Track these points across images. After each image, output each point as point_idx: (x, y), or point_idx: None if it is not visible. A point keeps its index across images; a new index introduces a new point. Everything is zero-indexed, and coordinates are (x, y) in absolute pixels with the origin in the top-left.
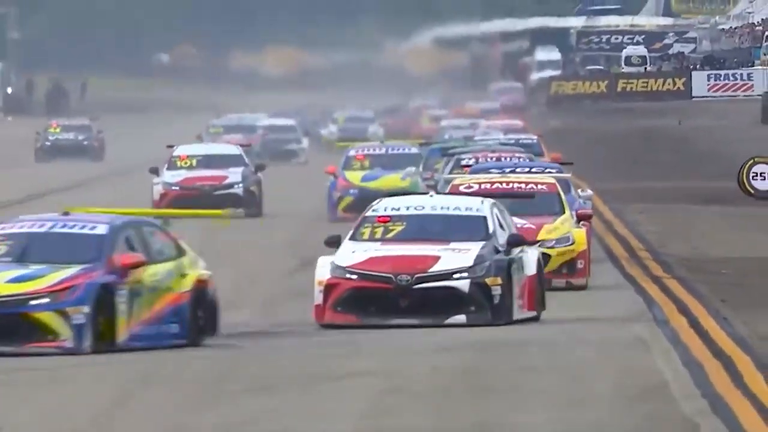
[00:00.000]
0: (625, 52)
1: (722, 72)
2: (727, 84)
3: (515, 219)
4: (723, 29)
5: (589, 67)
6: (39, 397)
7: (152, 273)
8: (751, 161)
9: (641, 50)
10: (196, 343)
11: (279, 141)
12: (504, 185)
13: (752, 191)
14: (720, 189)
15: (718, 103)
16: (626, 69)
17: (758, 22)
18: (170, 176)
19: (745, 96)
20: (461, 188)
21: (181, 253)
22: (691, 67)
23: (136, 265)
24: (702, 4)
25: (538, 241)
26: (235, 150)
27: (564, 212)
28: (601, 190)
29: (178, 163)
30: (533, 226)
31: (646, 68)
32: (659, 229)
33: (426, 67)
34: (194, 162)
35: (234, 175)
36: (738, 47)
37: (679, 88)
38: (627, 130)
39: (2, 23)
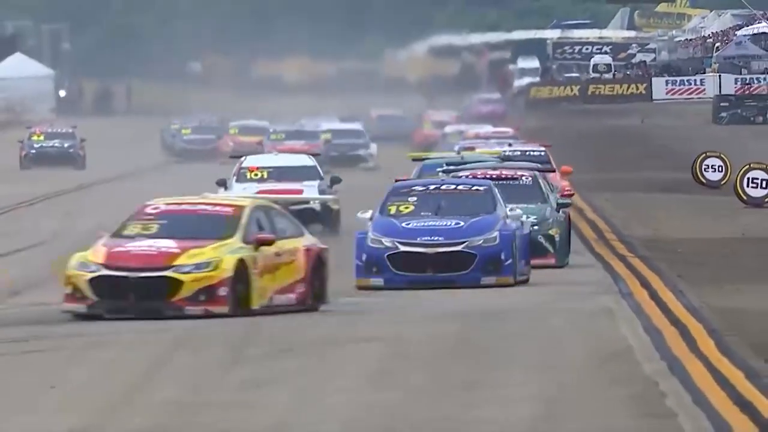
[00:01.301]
0: (593, 60)
1: (678, 78)
2: (682, 88)
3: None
4: (679, 41)
5: (566, 75)
6: (86, 359)
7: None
8: (703, 155)
9: (607, 59)
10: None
11: (346, 146)
12: None
13: (745, 198)
14: (676, 179)
15: (675, 105)
16: (594, 75)
17: (709, 35)
18: (241, 189)
19: (698, 98)
20: None
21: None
22: (652, 73)
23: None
24: (661, 19)
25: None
26: (308, 161)
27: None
28: (573, 180)
29: (248, 175)
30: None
31: (614, 74)
32: (623, 214)
33: (422, 74)
34: (265, 174)
35: (310, 189)
36: (692, 57)
37: (641, 92)
38: (596, 128)
39: (56, 36)
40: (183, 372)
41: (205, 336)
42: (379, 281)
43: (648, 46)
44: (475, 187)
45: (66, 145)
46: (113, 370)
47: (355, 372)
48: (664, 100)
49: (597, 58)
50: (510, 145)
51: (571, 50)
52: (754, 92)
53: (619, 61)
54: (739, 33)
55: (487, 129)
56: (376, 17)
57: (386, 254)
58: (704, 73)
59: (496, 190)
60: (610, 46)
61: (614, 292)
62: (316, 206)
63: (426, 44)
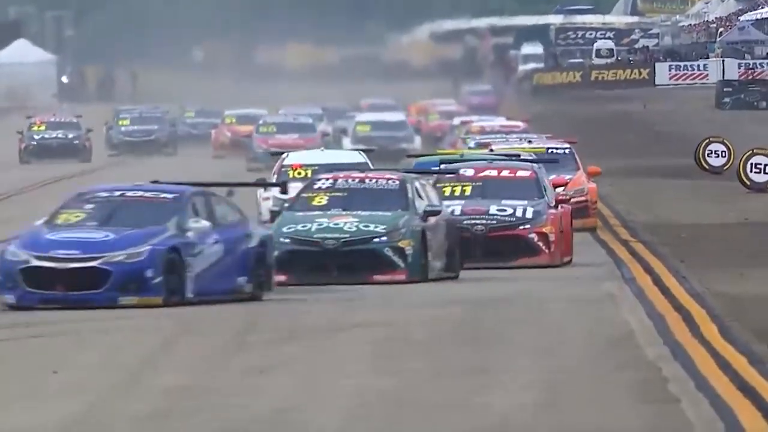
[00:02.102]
0: (595, 46)
1: (681, 63)
2: (685, 74)
3: None
4: (682, 26)
5: (570, 60)
6: (89, 344)
7: None
8: (706, 140)
9: (609, 44)
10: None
11: (387, 139)
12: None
13: (748, 183)
14: (679, 165)
15: (678, 90)
16: (597, 60)
17: (713, 20)
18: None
19: (701, 84)
20: None
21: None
22: (655, 59)
23: None
24: (664, 4)
25: None
26: (359, 158)
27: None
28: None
29: (291, 174)
30: None
31: (617, 59)
32: (626, 199)
33: (424, 60)
34: (310, 172)
35: None
36: (695, 42)
37: (644, 77)
38: (599, 114)
39: (59, 23)
40: (185, 358)
41: (207, 322)
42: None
43: (651, 32)
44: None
45: (70, 136)
46: (116, 356)
47: (356, 357)
48: (667, 85)
49: (599, 44)
50: (530, 142)
51: (574, 35)
52: (758, 77)
53: (622, 47)
54: (742, 18)
55: (495, 122)
56: (378, 2)
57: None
58: (707, 58)
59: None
60: (613, 32)
61: (617, 278)
62: None
63: (428, 29)
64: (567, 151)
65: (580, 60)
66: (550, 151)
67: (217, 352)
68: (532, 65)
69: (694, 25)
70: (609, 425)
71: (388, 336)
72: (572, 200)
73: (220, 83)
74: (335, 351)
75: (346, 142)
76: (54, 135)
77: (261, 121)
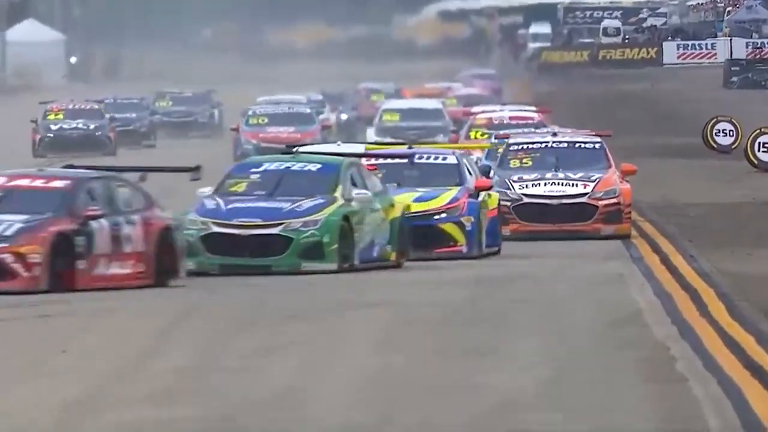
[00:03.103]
0: (602, 24)
1: (689, 42)
2: (693, 53)
3: None
4: (690, 5)
5: (580, 40)
6: (97, 325)
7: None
8: (714, 120)
9: (616, 23)
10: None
11: (422, 130)
12: None
13: (756, 163)
14: (687, 144)
15: (685, 69)
16: (604, 39)
17: None
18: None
19: (709, 63)
20: None
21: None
22: (662, 38)
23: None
24: None
25: None
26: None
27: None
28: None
29: None
30: None
31: (624, 38)
32: (635, 178)
33: (431, 39)
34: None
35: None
36: (703, 21)
37: (651, 56)
38: (606, 93)
39: (67, 1)
40: (191, 339)
41: (211, 304)
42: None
43: (659, 10)
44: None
45: (92, 126)
46: (123, 337)
47: (361, 337)
48: (674, 64)
49: (607, 23)
50: (554, 134)
51: (582, 15)
52: (765, 56)
53: (629, 26)
54: None
55: (504, 112)
56: None
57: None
58: (715, 37)
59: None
60: (620, 11)
61: (625, 257)
62: None
63: (435, 8)
64: (597, 145)
65: (590, 39)
66: (577, 145)
67: (223, 333)
68: (540, 44)
69: (702, 3)
70: (616, 404)
71: (394, 316)
72: (602, 203)
73: (230, 64)
74: (341, 331)
75: (370, 133)
76: (73, 125)
77: (250, 112)
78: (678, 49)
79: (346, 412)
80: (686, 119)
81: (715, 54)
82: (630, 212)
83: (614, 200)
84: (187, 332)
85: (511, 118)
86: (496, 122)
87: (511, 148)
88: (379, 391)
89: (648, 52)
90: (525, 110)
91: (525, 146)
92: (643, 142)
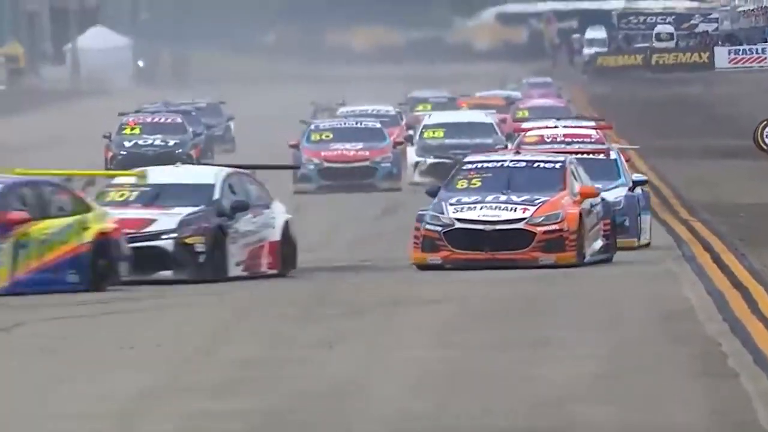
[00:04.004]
0: (656, 30)
1: (740, 47)
2: (744, 57)
3: None
4: (741, 11)
5: (636, 45)
6: (163, 319)
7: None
8: (765, 122)
9: (669, 28)
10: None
11: (469, 149)
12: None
13: None
14: (738, 146)
15: (736, 73)
16: (657, 44)
17: None
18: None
19: (759, 67)
20: None
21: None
22: (713, 43)
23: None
24: None
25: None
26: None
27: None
28: (639, 147)
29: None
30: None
31: (677, 43)
32: (686, 179)
33: (489, 42)
34: None
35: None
36: (754, 26)
37: (704, 61)
38: (660, 96)
39: (135, 5)
40: (256, 331)
41: (276, 297)
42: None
43: (710, 16)
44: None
45: (171, 143)
46: (189, 329)
47: (421, 330)
48: (726, 68)
49: (659, 28)
50: (555, 126)
51: (636, 20)
52: None
53: (682, 31)
54: None
55: (558, 129)
56: None
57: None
58: (765, 42)
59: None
60: (673, 16)
61: (677, 256)
62: None
63: (493, 12)
64: (558, 165)
65: (646, 44)
66: (536, 165)
67: (286, 326)
68: (595, 49)
69: (753, 9)
70: (667, 397)
71: (451, 310)
72: (541, 229)
73: (291, 66)
74: (401, 325)
75: (411, 152)
76: (150, 141)
77: (312, 126)
78: (729, 53)
79: (405, 402)
80: (737, 122)
81: (766, 58)
82: (575, 239)
83: (555, 226)
84: (250, 326)
85: (566, 135)
86: (549, 140)
87: (463, 168)
88: (437, 383)
89: (700, 57)
90: (583, 126)
91: (479, 165)
92: (696, 143)
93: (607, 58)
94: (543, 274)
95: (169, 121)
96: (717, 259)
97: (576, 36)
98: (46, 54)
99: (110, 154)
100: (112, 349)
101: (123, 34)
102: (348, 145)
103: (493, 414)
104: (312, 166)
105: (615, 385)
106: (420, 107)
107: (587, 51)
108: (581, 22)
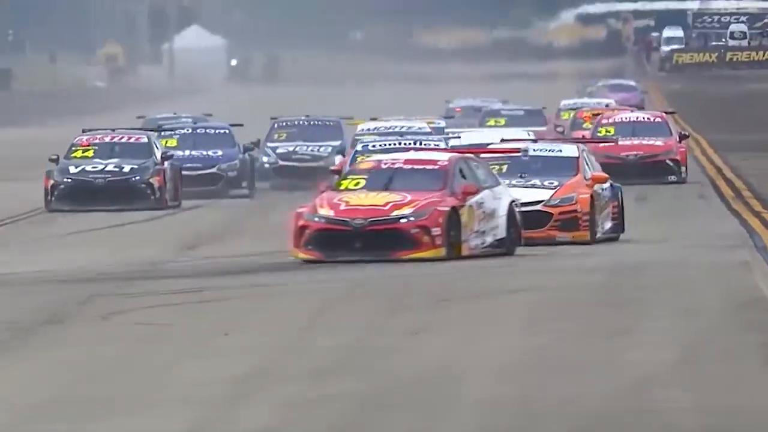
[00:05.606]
0: (729, 28)
1: None
2: None
3: None
4: None
5: (712, 43)
6: (256, 307)
7: None
8: None
9: (742, 27)
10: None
11: None
12: None
13: None
14: None
15: None
16: (731, 42)
17: None
18: None
19: None
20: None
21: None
22: None
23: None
24: None
25: None
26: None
27: None
28: (713, 141)
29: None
30: None
31: (749, 42)
32: (759, 172)
33: (568, 41)
34: None
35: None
36: None
37: None
38: (734, 92)
39: (230, 6)
40: (347, 320)
41: (366, 287)
42: None
43: None
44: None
45: (127, 168)
46: (282, 318)
47: (507, 319)
48: None
49: (733, 27)
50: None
51: (710, 20)
52: None
53: (755, 30)
54: None
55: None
56: None
57: None
58: None
59: None
60: (746, 16)
61: (750, 246)
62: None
63: (573, 12)
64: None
65: (722, 42)
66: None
67: (378, 315)
68: (673, 47)
69: None
70: (741, 383)
71: (534, 300)
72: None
73: (380, 64)
74: (489, 314)
75: None
76: (99, 167)
77: (360, 146)
78: None
79: (494, 388)
80: None
81: None
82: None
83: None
84: (343, 314)
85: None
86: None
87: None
88: (524, 369)
89: None
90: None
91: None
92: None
93: (683, 55)
94: (616, 265)
95: (132, 140)
96: None
97: (654, 35)
98: (144, 53)
99: (50, 183)
100: (210, 336)
101: (218, 34)
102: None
103: (578, 398)
104: None
105: (692, 371)
106: (491, 122)
107: (664, 49)
108: (658, 22)
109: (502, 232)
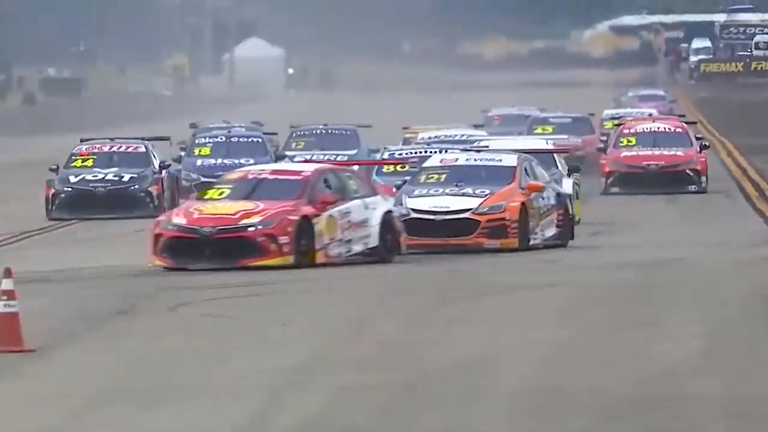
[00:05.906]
0: (755, 39)
1: None
2: None
3: None
4: None
5: (738, 53)
6: (306, 301)
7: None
8: None
9: (767, 38)
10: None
11: None
12: None
13: None
14: None
15: None
16: (756, 52)
17: None
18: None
19: None
20: None
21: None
22: None
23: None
24: None
25: None
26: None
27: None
28: (738, 144)
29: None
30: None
31: None
32: None
33: (603, 51)
34: None
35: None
36: None
37: None
38: (757, 99)
39: (289, 22)
40: (396, 312)
41: (410, 282)
42: None
43: None
44: None
45: (126, 177)
46: (333, 311)
47: (544, 312)
48: None
49: (758, 38)
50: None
51: (736, 31)
52: None
53: None
54: None
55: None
56: (562, 2)
57: None
58: None
59: None
60: None
61: None
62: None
63: (607, 24)
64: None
65: (748, 52)
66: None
67: (423, 307)
68: (701, 57)
69: None
70: (766, 372)
71: (567, 295)
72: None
73: (426, 73)
74: (526, 307)
75: None
76: (100, 176)
77: (386, 155)
78: None
79: (531, 377)
80: None
81: None
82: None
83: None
84: (390, 307)
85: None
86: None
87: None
88: (560, 358)
89: None
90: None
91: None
92: None
93: (710, 65)
94: (644, 261)
95: (130, 150)
96: None
97: (683, 45)
98: (206, 63)
99: (51, 191)
100: (266, 327)
101: (276, 45)
102: None
103: (610, 387)
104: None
105: (717, 361)
106: (539, 129)
107: (693, 59)
108: (687, 33)
109: (374, 241)
